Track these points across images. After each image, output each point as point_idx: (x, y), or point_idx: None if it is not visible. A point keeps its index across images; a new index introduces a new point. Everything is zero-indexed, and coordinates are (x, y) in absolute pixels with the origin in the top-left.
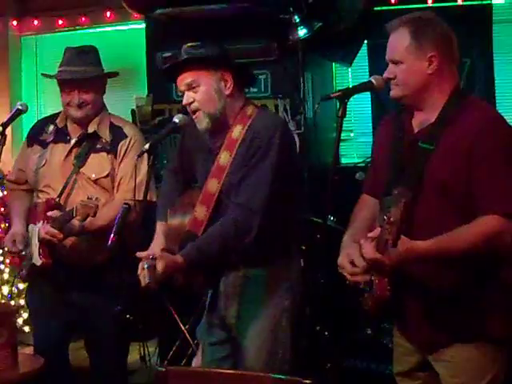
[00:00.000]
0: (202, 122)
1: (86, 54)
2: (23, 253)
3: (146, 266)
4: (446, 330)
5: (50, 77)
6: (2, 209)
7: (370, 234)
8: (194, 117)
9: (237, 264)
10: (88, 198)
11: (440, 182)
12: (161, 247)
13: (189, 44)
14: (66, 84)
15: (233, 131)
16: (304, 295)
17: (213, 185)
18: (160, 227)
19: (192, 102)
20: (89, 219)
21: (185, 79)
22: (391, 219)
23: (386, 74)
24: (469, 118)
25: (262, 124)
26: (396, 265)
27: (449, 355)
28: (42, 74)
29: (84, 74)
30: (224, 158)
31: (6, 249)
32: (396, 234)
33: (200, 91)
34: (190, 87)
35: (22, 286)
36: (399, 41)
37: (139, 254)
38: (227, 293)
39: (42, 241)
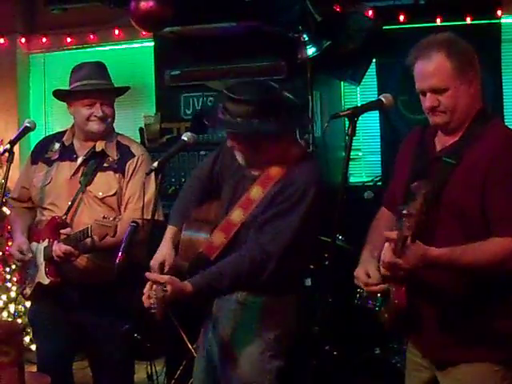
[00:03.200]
0: (240, 160)
1: (103, 69)
2: (28, 270)
3: (154, 294)
4: (457, 347)
5: (68, 91)
6: (10, 227)
7: (386, 233)
8: (235, 152)
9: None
10: (104, 218)
11: (456, 200)
12: (169, 252)
13: (227, 93)
14: (88, 97)
15: (271, 168)
16: (311, 315)
17: (237, 215)
18: (170, 232)
19: (233, 147)
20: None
21: (228, 135)
22: (410, 211)
23: (429, 104)
24: (489, 140)
25: (301, 174)
26: (412, 268)
27: (458, 375)
28: (59, 90)
29: (109, 86)
30: (255, 192)
31: (14, 260)
32: (415, 226)
33: (238, 144)
34: (232, 139)
35: (28, 304)
36: (438, 67)
37: (148, 275)
38: (219, 315)
39: (48, 259)
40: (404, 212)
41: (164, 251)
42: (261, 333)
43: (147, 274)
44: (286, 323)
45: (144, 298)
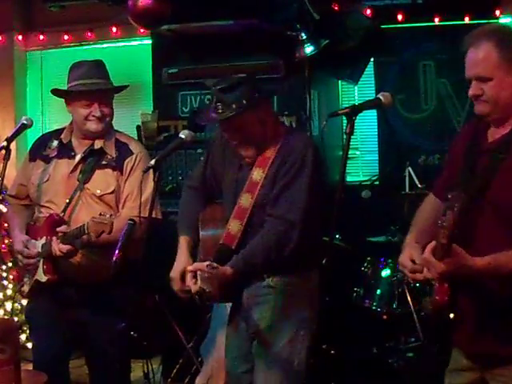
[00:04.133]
0: (247, 153)
1: (101, 68)
2: (33, 260)
3: (203, 275)
4: (506, 345)
5: (66, 91)
6: (6, 224)
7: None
8: (238, 148)
9: (260, 274)
10: (100, 215)
11: (501, 196)
12: (187, 260)
13: (218, 87)
14: (86, 97)
15: (265, 150)
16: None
17: (246, 199)
18: (182, 242)
19: (237, 142)
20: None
21: (228, 129)
22: (444, 223)
23: (472, 92)
24: None
25: (294, 143)
26: (448, 275)
27: (509, 375)
28: (57, 90)
29: (107, 86)
30: (257, 174)
31: (21, 257)
32: (448, 239)
33: (241, 134)
34: (234, 132)
35: (25, 302)
36: (485, 56)
37: (189, 268)
38: (250, 303)
39: (46, 256)
40: (439, 223)
41: (182, 260)
42: (294, 313)
43: (189, 266)
44: (313, 302)
45: (191, 285)
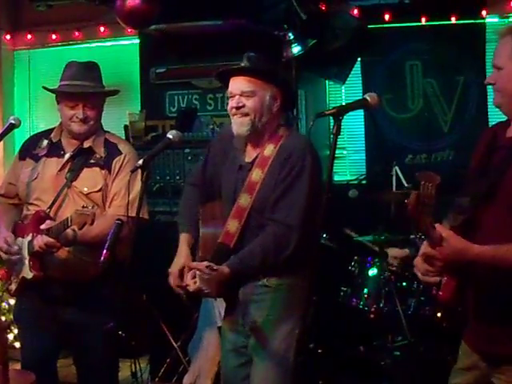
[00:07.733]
0: (243, 127)
1: (92, 70)
2: (14, 266)
3: (203, 276)
4: (508, 345)
5: (52, 91)
6: None
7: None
8: (236, 119)
9: (256, 276)
10: (83, 207)
11: (511, 191)
12: (189, 257)
13: (251, 53)
14: (70, 98)
15: (265, 149)
16: None
17: (245, 200)
18: (183, 239)
19: (242, 107)
20: (84, 228)
21: (242, 86)
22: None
23: (487, 79)
24: None
25: (293, 144)
26: (448, 261)
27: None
28: (45, 88)
29: (93, 89)
30: (256, 174)
31: (1, 253)
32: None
33: (253, 100)
34: (244, 94)
35: (12, 301)
36: (503, 47)
37: (190, 264)
38: (246, 300)
39: (32, 253)
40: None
41: (182, 257)
42: (290, 312)
43: (189, 263)
44: (306, 301)
45: (191, 284)
